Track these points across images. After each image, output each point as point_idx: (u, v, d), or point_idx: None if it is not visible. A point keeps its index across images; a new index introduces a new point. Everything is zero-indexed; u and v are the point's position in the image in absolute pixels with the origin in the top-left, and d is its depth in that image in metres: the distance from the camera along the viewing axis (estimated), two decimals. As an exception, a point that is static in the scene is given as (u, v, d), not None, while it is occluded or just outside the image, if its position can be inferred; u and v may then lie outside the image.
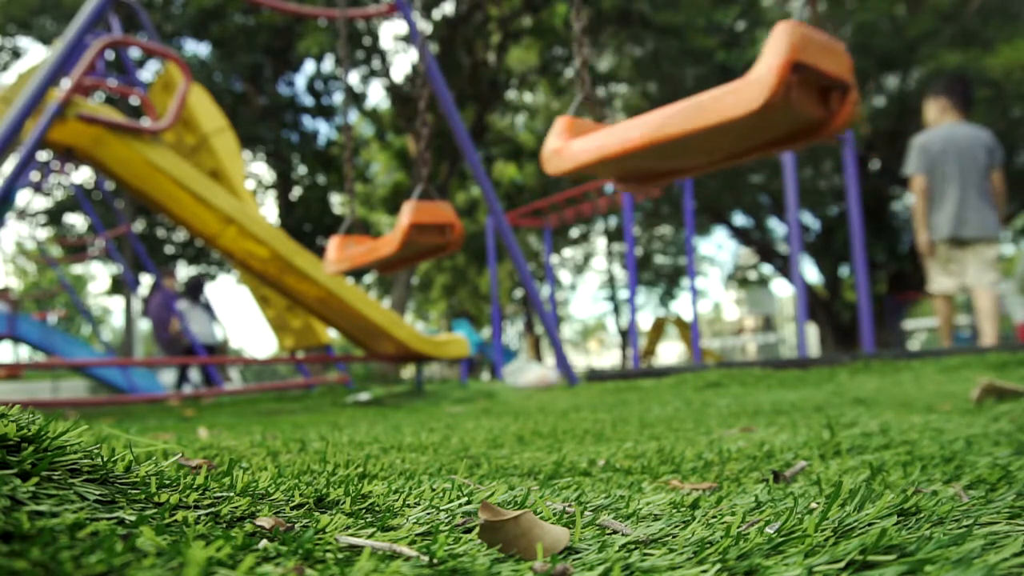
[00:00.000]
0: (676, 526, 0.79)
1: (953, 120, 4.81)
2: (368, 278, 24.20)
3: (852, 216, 8.27)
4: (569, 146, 1.95)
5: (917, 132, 5.35)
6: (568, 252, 30.39)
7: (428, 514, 0.82)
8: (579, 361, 44.60)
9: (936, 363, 4.78)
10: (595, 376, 6.97)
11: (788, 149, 1.78)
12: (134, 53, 13.46)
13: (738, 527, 0.74)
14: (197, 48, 17.81)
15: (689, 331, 14.64)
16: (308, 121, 19.77)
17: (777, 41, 1.52)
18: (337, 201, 21.22)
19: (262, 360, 7.84)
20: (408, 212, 3.26)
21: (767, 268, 25.13)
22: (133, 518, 0.64)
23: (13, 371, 6.92)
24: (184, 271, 20.14)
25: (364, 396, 6.51)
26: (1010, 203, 18.37)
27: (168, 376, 16.33)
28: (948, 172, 4.71)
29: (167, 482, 0.81)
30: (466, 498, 0.90)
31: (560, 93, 20.65)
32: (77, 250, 17.81)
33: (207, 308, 10.05)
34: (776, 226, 21.17)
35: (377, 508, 0.86)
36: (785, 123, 1.66)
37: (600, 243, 28.82)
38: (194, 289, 10.18)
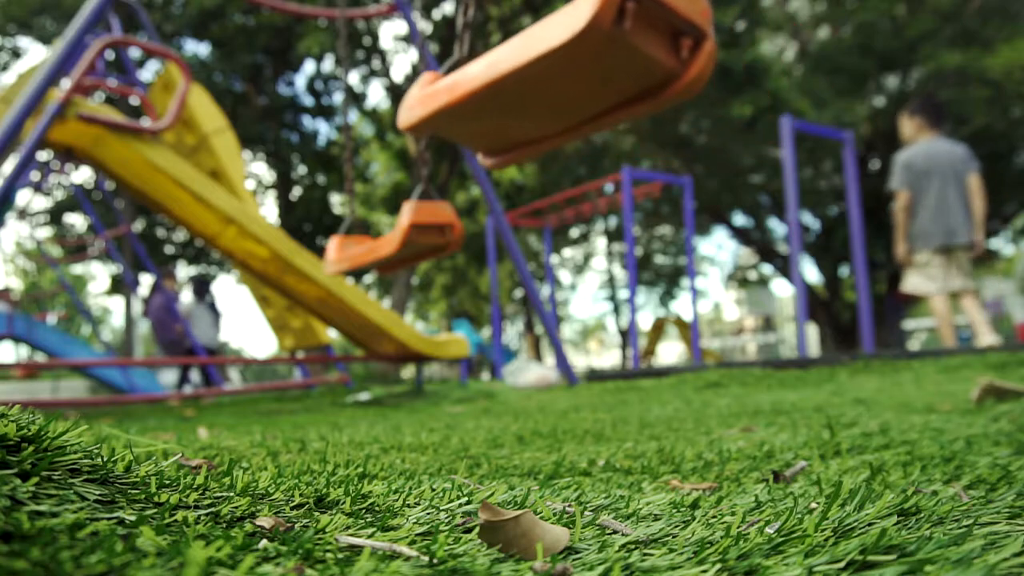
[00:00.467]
0: (676, 526, 0.79)
1: (930, 137, 5.15)
2: (368, 278, 24.20)
3: (852, 216, 8.29)
4: (420, 96, 1.84)
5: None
6: (568, 252, 30.40)
7: (428, 514, 0.82)
8: (579, 361, 44.61)
9: (936, 363, 4.78)
10: (595, 376, 6.97)
11: (642, 109, 1.60)
12: (134, 53, 13.47)
13: (738, 527, 0.74)
14: (197, 48, 17.82)
15: (689, 331, 14.64)
16: (308, 121, 19.78)
17: None
18: (337, 201, 21.22)
19: (262, 360, 7.83)
20: (408, 212, 3.25)
21: (767, 268, 25.13)
22: (133, 518, 0.64)
23: (30, 371, 6.93)
24: (184, 271, 20.14)
25: (364, 396, 6.51)
26: (1009, 203, 18.38)
27: (168, 376, 16.33)
28: (933, 186, 5.03)
29: (167, 482, 0.81)
30: (466, 498, 0.90)
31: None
32: (77, 250, 17.82)
33: (212, 309, 10.03)
34: (776, 226, 21.18)
35: (377, 508, 0.86)
36: (629, 69, 1.49)
37: (600, 243, 28.84)
38: (200, 289, 10.15)
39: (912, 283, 5.28)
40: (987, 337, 5.07)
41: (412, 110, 1.85)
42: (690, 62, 1.44)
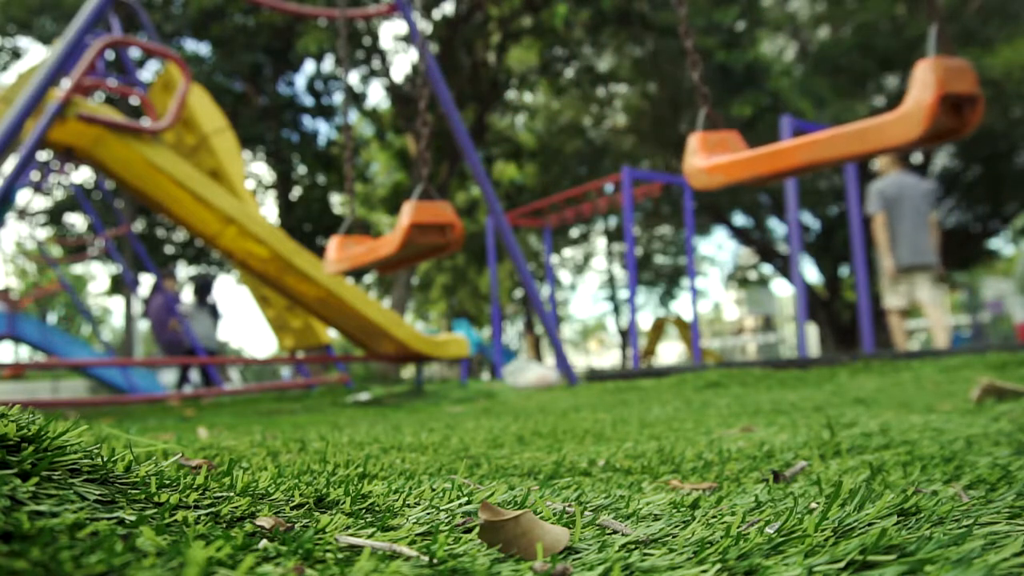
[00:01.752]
0: (676, 526, 0.79)
1: (899, 170, 5.82)
2: (368, 278, 24.19)
3: (852, 216, 8.28)
4: (717, 164, 2.07)
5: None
6: (568, 252, 30.38)
7: (428, 514, 0.82)
8: (579, 361, 44.61)
9: (936, 363, 4.78)
10: (595, 376, 6.97)
11: (916, 149, 1.95)
12: (134, 53, 13.46)
13: (738, 527, 0.74)
14: (197, 48, 17.79)
15: (689, 331, 14.64)
16: (308, 121, 19.76)
17: (925, 78, 1.74)
18: (337, 201, 21.21)
19: (262, 360, 7.84)
20: (408, 212, 3.25)
21: (767, 268, 25.13)
22: (133, 518, 0.64)
23: (17, 371, 6.93)
24: (184, 271, 20.13)
25: (364, 396, 6.51)
26: (1010, 203, 18.39)
27: (168, 376, 16.33)
28: (902, 212, 5.65)
29: (167, 482, 0.81)
30: (466, 498, 0.90)
31: (560, 93, 20.65)
32: (77, 250, 17.81)
33: (212, 311, 10.02)
34: (776, 226, 21.17)
35: (377, 508, 0.86)
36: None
37: (600, 243, 28.81)
38: (202, 289, 10.14)
39: (892, 301, 5.91)
40: (942, 343, 5.58)
41: (713, 177, 2.10)
42: (970, 119, 1.81)
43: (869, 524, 0.72)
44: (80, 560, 0.49)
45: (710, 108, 2.28)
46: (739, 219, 21.28)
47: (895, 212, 5.72)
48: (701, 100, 2.28)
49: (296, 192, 20.56)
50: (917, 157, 19.17)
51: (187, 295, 10.41)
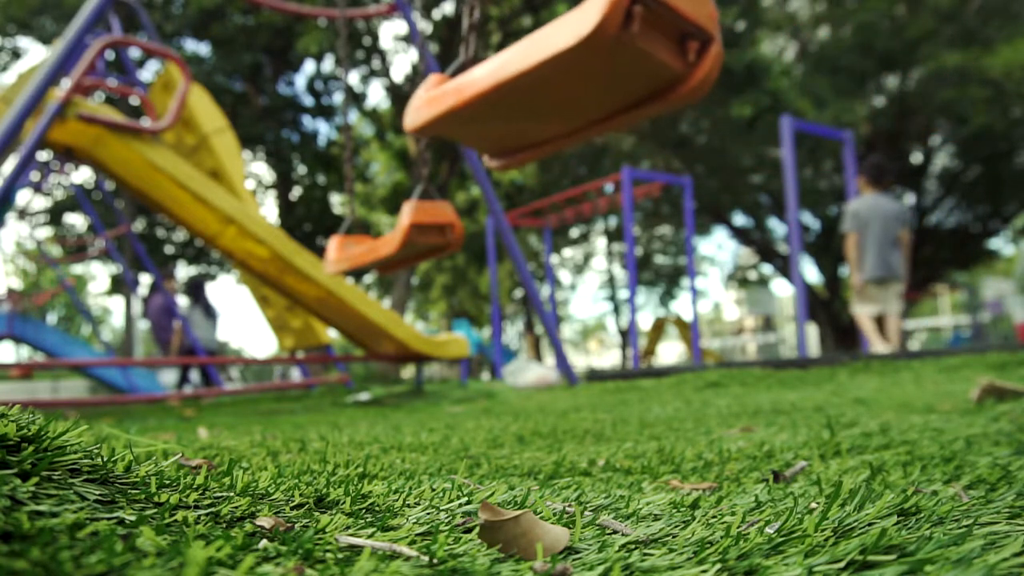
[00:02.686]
0: (676, 526, 0.79)
1: (872, 192, 6.33)
2: (368, 278, 24.19)
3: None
4: (427, 98, 1.84)
5: (918, 132, 6.21)
6: (568, 252, 30.38)
7: (428, 514, 0.82)
8: (579, 361, 44.61)
9: (936, 363, 4.78)
10: (595, 376, 6.97)
11: (649, 112, 1.61)
12: (134, 53, 13.47)
13: (738, 527, 0.74)
14: (197, 48, 17.79)
15: (689, 331, 14.64)
16: (308, 121, 19.76)
17: None
18: (337, 201, 21.20)
19: (262, 360, 7.83)
20: (408, 212, 3.25)
21: (767, 268, 25.14)
22: (133, 518, 0.64)
23: (26, 371, 6.94)
24: (184, 271, 20.13)
25: (364, 396, 6.51)
26: (1010, 203, 18.39)
27: (168, 376, 16.33)
28: (874, 231, 6.19)
29: (167, 482, 0.81)
30: (466, 498, 0.90)
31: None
32: (77, 250, 17.82)
33: (210, 311, 10.01)
34: (776, 226, 21.18)
35: (377, 508, 0.86)
36: (637, 72, 1.50)
37: (600, 243, 28.82)
38: (195, 290, 10.13)
39: (860, 309, 6.41)
40: (879, 347, 6.15)
41: (418, 112, 1.85)
42: (697, 65, 1.45)
43: (869, 524, 0.72)
44: (80, 560, 0.49)
45: (468, 57, 2.09)
46: (739, 219, 21.28)
47: (867, 230, 6.23)
48: (464, 47, 2.11)
49: (296, 192, 20.55)
50: (917, 157, 19.21)
51: (183, 297, 10.40)
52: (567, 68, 1.48)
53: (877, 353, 5.67)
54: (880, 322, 6.42)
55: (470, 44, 2.04)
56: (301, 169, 20.32)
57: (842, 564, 0.59)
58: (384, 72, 18.66)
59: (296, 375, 25.29)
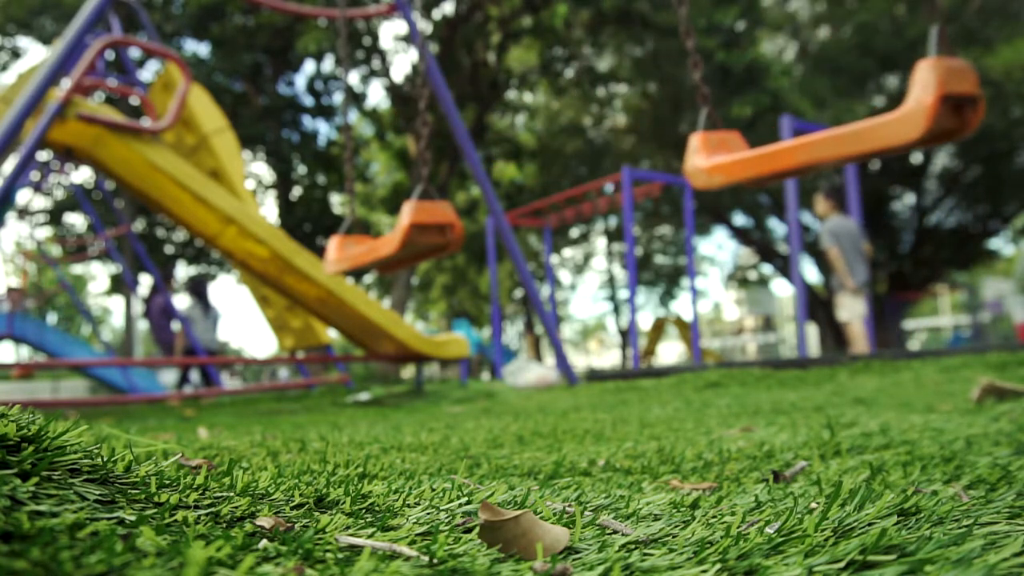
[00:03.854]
0: (676, 526, 0.79)
1: (839, 215, 7.07)
2: (368, 278, 24.18)
3: (852, 216, 8.28)
4: (718, 164, 2.06)
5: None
6: (568, 252, 30.36)
7: (428, 514, 0.82)
8: (579, 361, 44.59)
9: (936, 363, 4.78)
10: (595, 376, 6.97)
11: (916, 149, 1.94)
12: (134, 53, 13.46)
13: (738, 527, 0.74)
14: (197, 48, 17.80)
15: (689, 331, 14.63)
16: (308, 121, 19.76)
17: (925, 78, 1.72)
18: (337, 201, 21.20)
19: (262, 360, 7.83)
20: (408, 212, 3.25)
21: (767, 268, 25.12)
22: (133, 518, 0.64)
23: (27, 371, 6.94)
24: (184, 271, 20.12)
25: (364, 396, 6.51)
26: (1010, 203, 18.39)
27: (168, 376, 16.32)
28: (847, 246, 6.88)
29: (167, 482, 0.81)
30: (466, 498, 0.90)
31: (560, 93, 20.64)
32: (77, 250, 17.81)
33: (212, 311, 10.00)
34: (776, 226, 21.17)
35: (377, 508, 0.86)
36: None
37: (600, 243, 28.80)
38: (197, 290, 10.12)
39: (848, 314, 6.99)
40: (861, 349, 6.82)
41: (713, 178, 2.08)
42: (971, 120, 1.79)
43: (869, 524, 0.72)
44: (80, 560, 0.49)
45: (711, 108, 2.29)
46: (739, 219, 21.27)
47: (844, 244, 6.88)
48: (702, 100, 2.29)
49: (296, 192, 20.55)
50: (917, 157, 19.19)
51: (184, 297, 10.39)
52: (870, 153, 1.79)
53: (863, 354, 6.08)
54: (850, 327, 7.08)
55: (713, 116, 2.27)
56: (301, 169, 20.31)
57: (842, 564, 0.59)
58: (384, 72, 18.65)
59: (284, 375, 25.33)
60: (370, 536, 0.70)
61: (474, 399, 5.57)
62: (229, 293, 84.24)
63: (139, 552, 0.53)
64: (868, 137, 1.77)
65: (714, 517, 0.83)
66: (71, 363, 10.69)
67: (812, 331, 21.41)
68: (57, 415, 0.91)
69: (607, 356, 48.07)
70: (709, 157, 2.13)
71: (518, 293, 27.64)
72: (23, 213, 14.45)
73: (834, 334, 19.89)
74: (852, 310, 6.97)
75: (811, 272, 20.93)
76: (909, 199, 20.15)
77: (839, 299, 7.17)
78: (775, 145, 1.99)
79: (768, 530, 0.72)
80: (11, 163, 5.30)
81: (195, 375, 10.15)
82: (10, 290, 14.29)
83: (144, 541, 0.55)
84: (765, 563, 0.60)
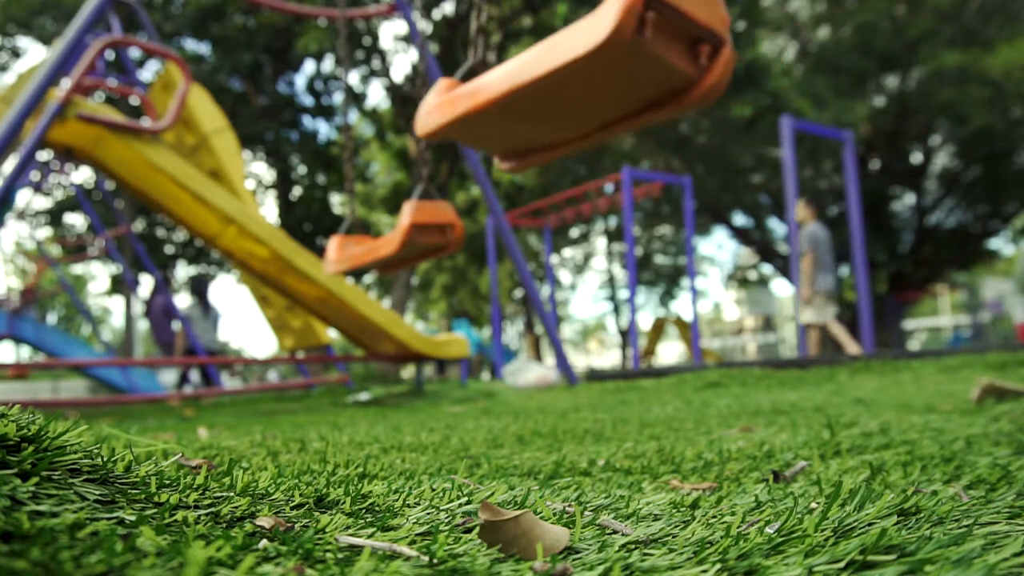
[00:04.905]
0: (676, 526, 0.79)
1: (815, 222, 7.32)
2: (368, 278, 24.18)
3: (852, 216, 8.29)
4: (438, 103, 1.86)
5: (918, 132, 6.77)
6: (568, 252, 30.36)
7: (428, 514, 0.82)
8: (579, 361, 44.60)
9: (936, 363, 4.78)
10: (595, 376, 6.97)
11: (661, 115, 1.63)
12: (134, 53, 13.46)
13: (738, 527, 0.74)
14: (197, 48, 17.79)
15: (689, 331, 14.63)
16: (308, 121, 19.76)
17: None
18: (337, 201, 21.20)
19: (262, 360, 7.83)
20: (408, 212, 3.25)
21: (767, 268, 25.12)
22: (133, 518, 0.64)
23: (20, 371, 6.94)
24: (184, 271, 20.12)
25: (364, 396, 6.51)
26: (1010, 203, 18.39)
27: (168, 376, 16.32)
28: (824, 252, 7.19)
29: (167, 482, 0.81)
30: (466, 498, 0.90)
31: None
32: (77, 250, 17.82)
33: (212, 311, 9.99)
34: (776, 226, 21.16)
35: (377, 508, 0.86)
36: (650, 77, 1.51)
37: (600, 243, 28.80)
38: (199, 290, 10.11)
39: (808, 316, 7.28)
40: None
41: (430, 117, 1.87)
42: (709, 68, 1.47)
43: (869, 524, 0.72)
44: (80, 560, 0.49)
45: (478, 60, 2.11)
46: (739, 219, 21.26)
47: (820, 252, 7.18)
48: (472, 49, 2.14)
49: (296, 192, 20.55)
50: (917, 157, 19.20)
51: (184, 297, 10.38)
52: (580, 74, 1.50)
53: (813, 357, 6.31)
54: (823, 329, 7.41)
55: (478, 46, 2.06)
56: (301, 169, 20.31)
57: (842, 564, 0.59)
58: (384, 72, 18.65)
59: (272, 376, 25.32)
60: (370, 536, 0.70)
61: (474, 399, 5.57)
62: (229, 293, 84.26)
63: (139, 552, 0.53)
64: (561, 46, 1.48)
65: (714, 517, 0.83)
66: (71, 363, 10.69)
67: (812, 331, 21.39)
68: (57, 415, 0.91)
69: (607, 356, 48.06)
70: (438, 96, 1.90)
71: (518, 293, 27.64)
72: (23, 213, 14.45)
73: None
74: (822, 314, 7.26)
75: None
76: (909, 199, 20.14)
77: (802, 304, 7.48)
78: (480, 76, 1.82)
79: (768, 530, 0.72)
80: (11, 163, 5.30)
81: (195, 375, 10.15)
82: (11, 290, 14.29)
83: (144, 541, 0.55)
84: (765, 563, 0.60)
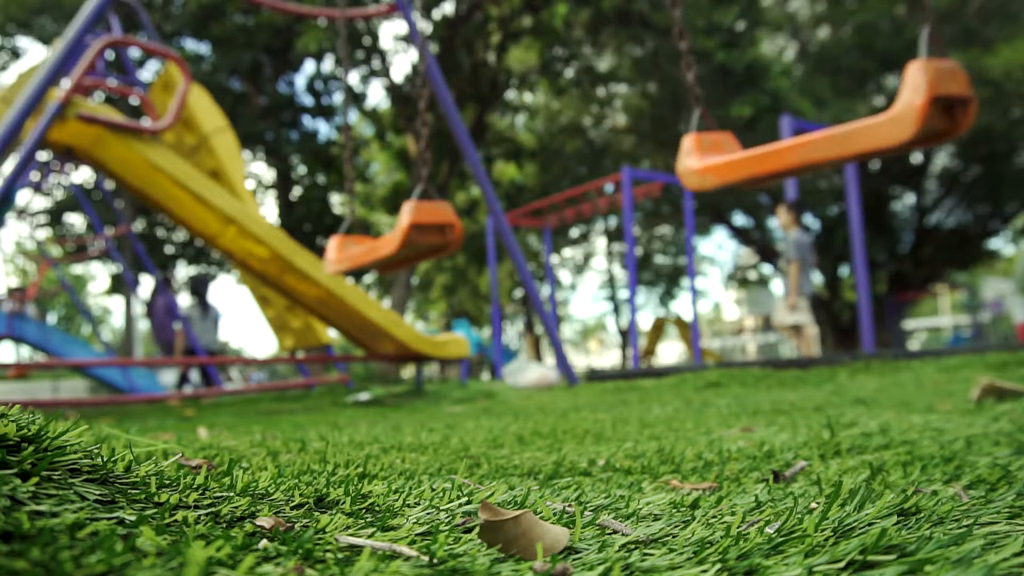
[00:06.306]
0: (676, 526, 0.79)
1: (797, 228, 7.46)
2: (368, 278, 24.17)
3: (852, 216, 8.30)
4: (711, 164, 2.08)
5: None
6: (568, 252, 30.35)
7: (428, 514, 0.82)
8: (579, 361, 44.58)
9: (936, 363, 4.78)
10: (595, 376, 6.97)
11: (902, 152, 1.98)
12: (134, 53, 13.46)
13: (738, 527, 0.74)
14: (197, 48, 17.78)
15: (689, 331, 14.64)
16: (308, 121, 19.75)
17: (916, 79, 1.77)
18: (337, 201, 21.19)
19: (262, 360, 7.83)
20: (408, 212, 3.25)
21: (767, 268, 25.12)
22: (133, 518, 0.64)
23: (20, 371, 6.94)
24: (184, 271, 20.11)
25: (364, 396, 6.51)
26: (1010, 203, 18.39)
27: (168, 376, 16.31)
28: (807, 259, 7.37)
29: (167, 482, 0.81)
30: (466, 498, 0.90)
31: (560, 93, 20.64)
32: (77, 250, 17.81)
33: (212, 311, 9.99)
34: (776, 226, 21.15)
35: (377, 508, 0.86)
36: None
37: (600, 243, 28.79)
38: (199, 290, 10.10)
39: (793, 318, 7.44)
40: (816, 351, 7.33)
41: (705, 178, 2.11)
42: (962, 121, 1.83)
43: (869, 524, 0.72)
44: (80, 560, 0.49)
45: (704, 109, 2.30)
46: (739, 219, 21.26)
47: (804, 258, 7.38)
48: (695, 101, 2.30)
49: (296, 192, 20.55)
50: (917, 157, 19.19)
51: (185, 297, 10.37)
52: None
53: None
54: (798, 330, 7.57)
55: (699, 95, 2.34)
56: (301, 169, 20.31)
57: (842, 564, 0.59)
58: (384, 72, 18.65)
59: (258, 377, 25.36)
60: (370, 536, 0.70)
61: (474, 399, 5.57)
62: (229, 293, 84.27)
63: (139, 552, 0.53)
64: (860, 138, 1.80)
65: (714, 517, 0.83)
66: (71, 363, 10.69)
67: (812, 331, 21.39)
68: (57, 415, 0.91)
69: (607, 356, 48.05)
70: (702, 158, 2.13)
71: (518, 293, 27.63)
72: (23, 213, 14.44)
73: (834, 334, 19.91)
74: (805, 315, 7.47)
75: (811, 272, 20.88)
76: (909, 199, 20.14)
77: (782, 306, 7.67)
78: (768, 146, 2.00)
79: (768, 530, 0.72)
80: (11, 163, 5.30)
81: (195, 375, 10.14)
82: (11, 290, 14.29)
83: (144, 541, 0.55)
84: (765, 563, 0.60)
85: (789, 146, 1.94)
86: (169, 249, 19.51)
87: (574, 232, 26.46)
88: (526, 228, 18.61)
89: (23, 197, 13.34)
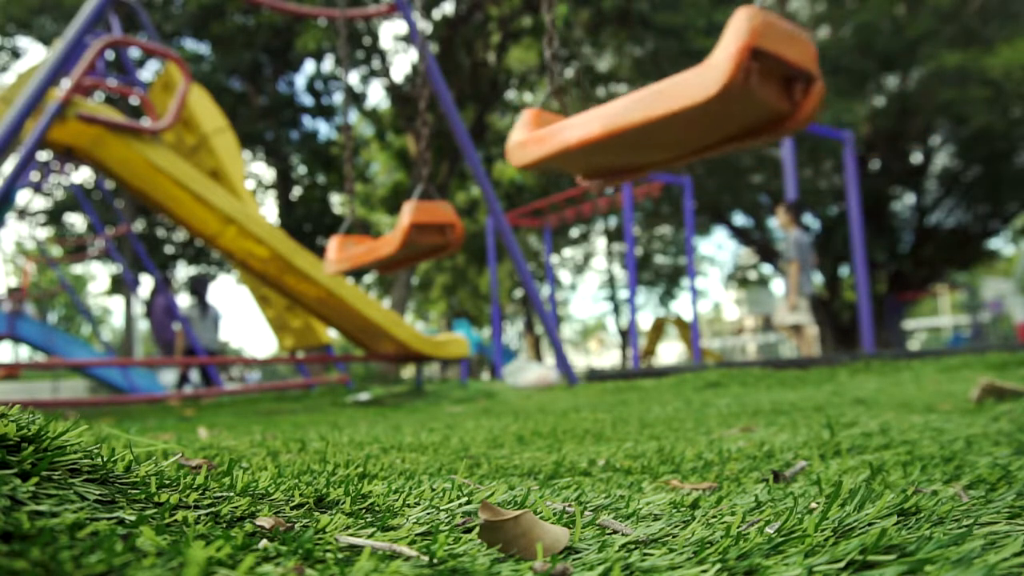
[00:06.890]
0: (676, 526, 0.79)
1: (797, 228, 7.42)
2: (368, 278, 24.17)
3: (852, 216, 8.30)
4: (532, 138, 1.94)
5: (918, 132, 6.64)
6: (568, 252, 30.36)
7: (428, 514, 0.82)
8: (579, 361, 44.59)
9: (936, 363, 4.78)
10: (595, 376, 6.97)
11: (752, 143, 1.72)
12: (134, 53, 13.46)
13: (738, 527, 0.74)
14: (197, 48, 17.79)
15: (689, 331, 14.63)
16: (308, 121, 19.76)
17: (736, 26, 1.46)
18: (337, 201, 21.20)
19: (262, 360, 7.83)
20: (408, 212, 3.25)
21: (767, 268, 25.12)
22: (133, 518, 0.64)
23: (11, 371, 6.94)
24: (184, 271, 20.11)
25: (364, 396, 6.51)
26: (1010, 203, 18.39)
27: (168, 376, 16.31)
28: (807, 258, 7.37)
29: (167, 482, 0.81)
30: (466, 498, 0.90)
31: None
32: (77, 250, 17.81)
33: (212, 311, 9.98)
34: (776, 226, 21.15)
35: (377, 508, 0.86)
36: (747, 114, 1.61)
37: (600, 243, 28.80)
38: (199, 290, 10.10)
39: (794, 318, 7.44)
40: (816, 350, 7.35)
41: (526, 150, 1.97)
42: (803, 102, 1.60)
43: (869, 524, 0.72)
44: (80, 560, 0.49)
45: (556, 85, 2.22)
46: (739, 219, 21.26)
47: (804, 258, 7.39)
48: (549, 77, 2.24)
49: (296, 192, 20.55)
50: (917, 157, 19.20)
51: (185, 297, 10.37)
52: (683, 117, 1.62)
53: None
54: (798, 331, 7.58)
55: (555, 73, 2.18)
56: (301, 169, 20.31)
57: (842, 564, 0.59)
58: (384, 72, 18.65)
59: (254, 377, 25.40)
60: (370, 536, 0.70)
61: (474, 399, 5.57)
62: (229, 293, 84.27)
63: (139, 552, 0.53)
64: (669, 96, 1.57)
65: (714, 517, 0.83)
66: (71, 363, 10.69)
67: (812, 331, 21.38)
68: (57, 415, 0.91)
69: (607, 356, 48.05)
70: (530, 132, 1.97)
71: (518, 293, 27.63)
72: (23, 213, 14.44)
73: (834, 334, 19.91)
74: (805, 315, 7.49)
75: (811, 272, 20.88)
76: (909, 199, 20.13)
77: (782, 306, 7.68)
78: (579, 114, 1.84)
79: (768, 530, 0.72)
80: (11, 163, 5.30)
81: (195, 375, 10.14)
82: (10, 291, 14.29)
83: (144, 541, 0.55)
84: (765, 563, 0.60)
85: (597, 112, 1.74)
86: (169, 249, 19.51)
87: (574, 232, 26.46)
88: (526, 228, 18.61)
89: (23, 197, 13.35)
